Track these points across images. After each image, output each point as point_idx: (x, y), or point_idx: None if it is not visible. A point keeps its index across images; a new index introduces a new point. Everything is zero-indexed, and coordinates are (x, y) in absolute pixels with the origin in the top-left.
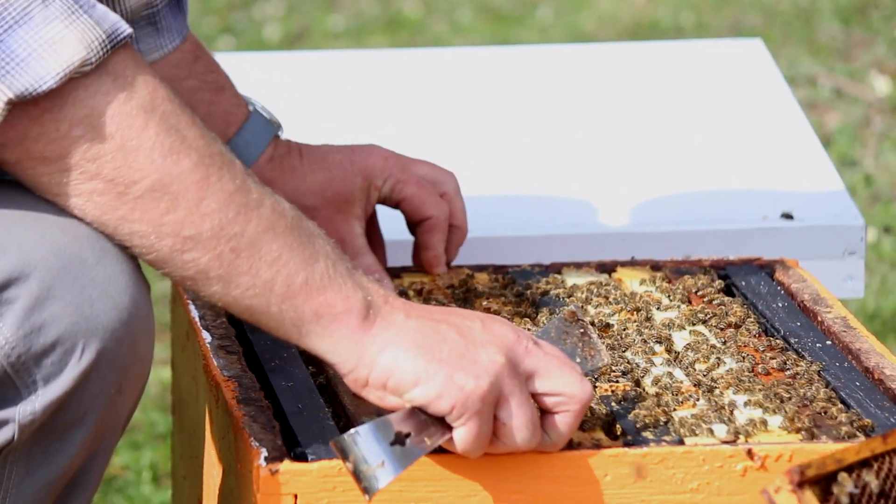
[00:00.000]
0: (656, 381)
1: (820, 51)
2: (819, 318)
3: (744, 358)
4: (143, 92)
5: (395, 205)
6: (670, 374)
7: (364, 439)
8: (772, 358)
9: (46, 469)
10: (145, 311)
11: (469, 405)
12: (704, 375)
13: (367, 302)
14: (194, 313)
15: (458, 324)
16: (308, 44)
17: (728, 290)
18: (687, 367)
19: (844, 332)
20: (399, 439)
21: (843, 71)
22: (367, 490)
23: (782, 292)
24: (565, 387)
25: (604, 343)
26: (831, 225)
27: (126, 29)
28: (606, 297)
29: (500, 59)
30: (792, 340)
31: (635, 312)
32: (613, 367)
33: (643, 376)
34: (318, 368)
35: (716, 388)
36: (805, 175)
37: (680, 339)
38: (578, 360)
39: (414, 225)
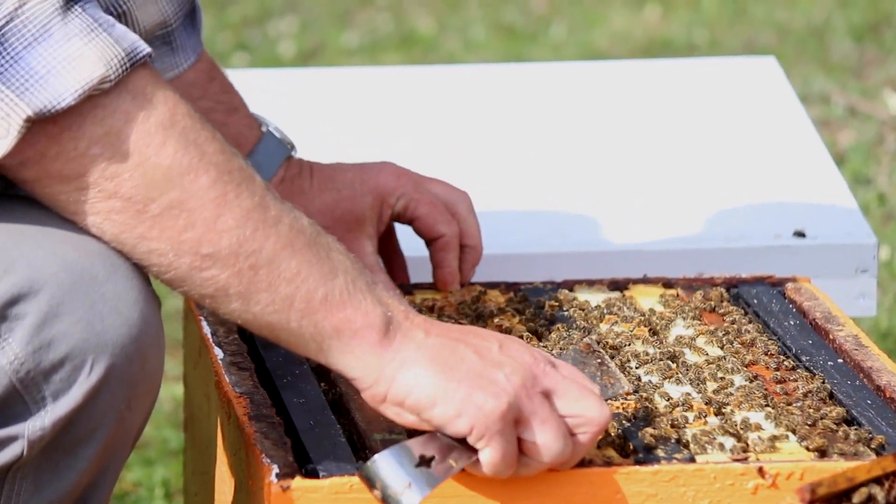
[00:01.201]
0: (668, 399)
1: (833, 69)
2: (831, 336)
3: (755, 376)
4: (163, 109)
5: (408, 223)
6: (682, 392)
7: (388, 464)
8: (783, 376)
9: (56, 485)
10: (155, 327)
11: (489, 425)
12: (716, 393)
13: (388, 318)
14: (206, 330)
15: (477, 344)
16: (322, 60)
17: (740, 308)
18: (698, 385)
19: (856, 350)
20: (424, 462)
21: (856, 89)
22: None
23: (794, 310)
24: (584, 409)
25: (616, 362)
26: (844, 243)
27: (145, 48)
28: (618, 315)
29: (514, 76)
30: (803, 358)
31: (647, 330)
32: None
33: (654, 394)
34: (330, 385)
35: (727, 405)
36: (817, 193)
37: (692, 357)
38: (598, 387)
39: (428, 243)
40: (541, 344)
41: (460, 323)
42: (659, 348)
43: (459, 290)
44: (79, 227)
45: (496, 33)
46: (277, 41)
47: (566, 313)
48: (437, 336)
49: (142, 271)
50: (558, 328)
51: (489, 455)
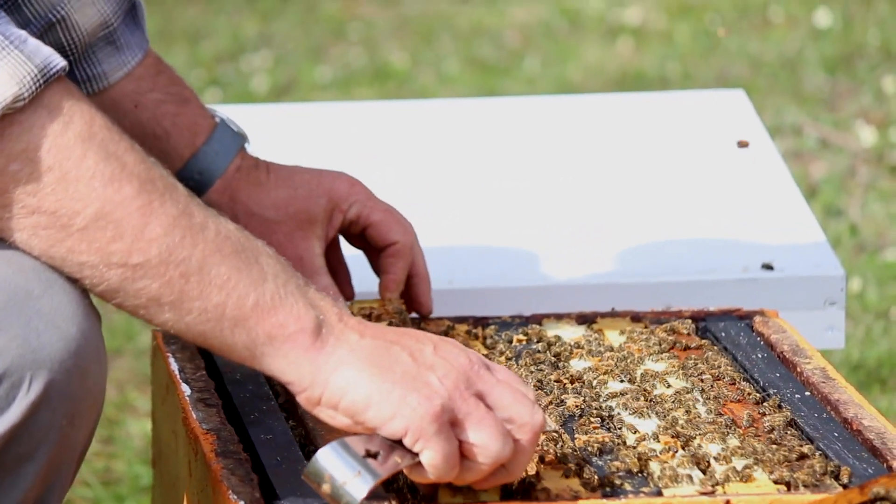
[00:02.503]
0: (635, 432)
1: (806, 101)
2: (798, 369)
3: (722, 408)
4: (80, 122)
5: (360, 230)
6: (649, 425)
7: (332, 457)
8: (750, 409)
9: None
10: (95, 342)
11: (424, 427)
12: (683, 426)
13: (319, 321)
14: (174, 366)
15: (411, 346)
16: (295, 95)
17: (708, 341)
18: (666, 418)
19: (823, 382)
20: (369, 455)
21: (828, 121)
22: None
23: (762, 343)
24: (516, 413)
25: (585, 397)
26: (811, 276)
27: (59, 62)
28: (587, 349)
29: (487, 110)
30: (771, 391)
31: (615, 363)
32: (592, 418)
33: (621, 427)
34: (298, 421)
35: (694, 438)
36: (786, 226)
37: (659, 390)
38: (532, 391)
39: (378, 251)
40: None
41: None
42: (627, 382)
43: (398, 298)
44: (10, 245)
45: (470, 67)
46: (251, 76)
47: (535, 347)
48: (372, 338)
49: (79, 285)
50: (527, 363)
51: (428, 457)
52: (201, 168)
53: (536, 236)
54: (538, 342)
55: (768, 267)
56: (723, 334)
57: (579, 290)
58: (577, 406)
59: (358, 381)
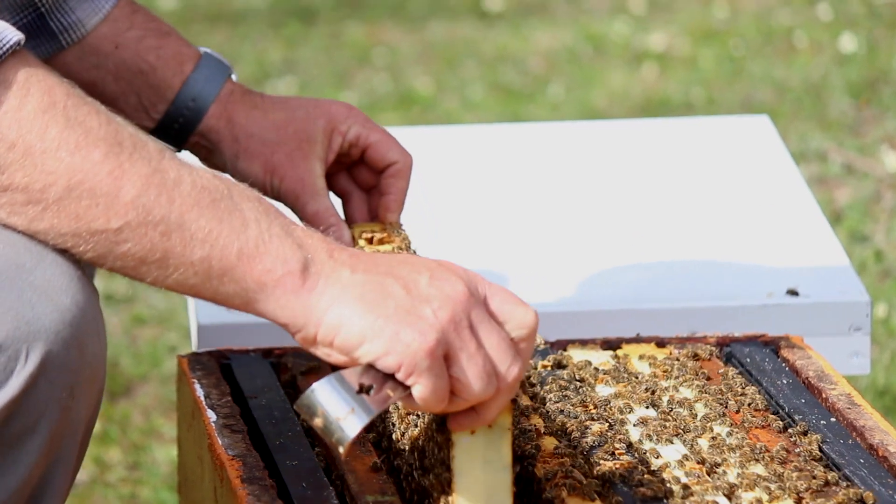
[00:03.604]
0: (659, 458)
1: (830, 126)
2: (824, 395)
3: (748, 435)
4: (38, 93)
5: (360, 153)
6: (674, 451)
7: (327, 392)
8: (776, 435)
9: (4, 481)
10: (91, 313)
11: (417, 362)
12: (708, 452)
13: (307, 260)
14: (199, 392)
15: (405, 277)
16: None
17: (733, 367)
18: (691, 444)
19: (849, 408)
20: (363, 390)
21: (853, 146)
22: (339, 441)
23: (787, 369)
24: (497, 359)
25: (608, 423)
26: (837, 301)
27: (13, 36)
28: (612, 375)
29: (512, 135)
30: (796, 417)
31: (639, 389)
32: (617, 444)
33: (646, 452)
34: (324, 447)
35: (719, 465)
36: (811, 251)
37: (684, 416)
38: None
39: (378, 173)
40: (536, 402)
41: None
42: (651, 408)
43: (400, 224)
44: None
45: (494, 93)
46: None
47: (560, 373)
48: (364, 272)
49: (72, 257)
50: (552, 389)
51: (419, 391)
52: (194, 94)
53: (561, 262)
54: (563, 368)
55: (793, 293)
56: (748, 360)
57: (604, 315)
58: (601, 432)
59: (351, 318)
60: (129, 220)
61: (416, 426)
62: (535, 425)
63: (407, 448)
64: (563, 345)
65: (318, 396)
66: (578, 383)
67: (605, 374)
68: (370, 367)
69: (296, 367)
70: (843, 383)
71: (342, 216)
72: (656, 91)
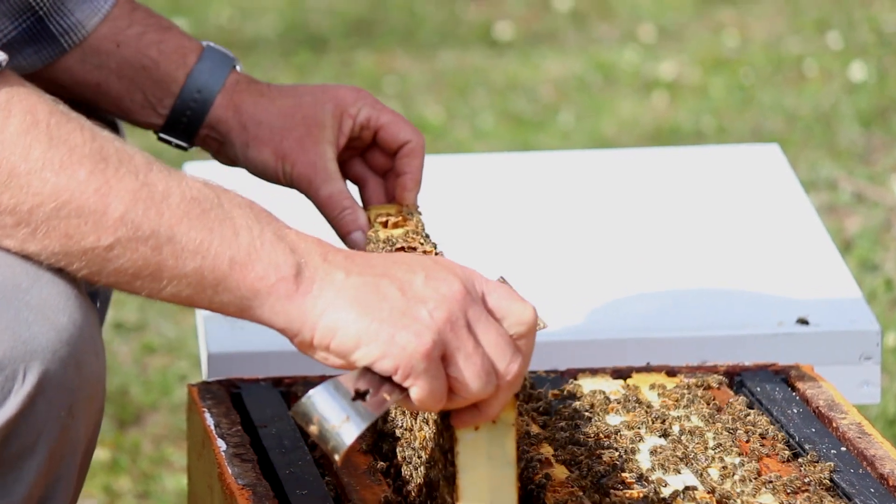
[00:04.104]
0: (669, 487)
1: (840, 155)
2: (834, 425)
3: (759, 464)
4: (21, 113)
5: (371, 135)
6: (684, 481)
7: (323, 399)
8: (786, 464)
9: (4, 500)
10: (88, 331)
11: (414, 364)
12: (719, 482)
13: (300, 265)
14: (209, 422)
15: (401, 277)
16: None
17: (743, 396)
18: (701, 474)
19: (859, 438)
20: (358, 396)
21: (863, 175)
22: (335, 449)
23: (797, 398)
24: (495, 357)
25: (620, 452)
26: (847, 330)
27: None
28: (622, 404)
29: (522, 164)
30: (807, 447)
31: (650, 419)
32: (627, 473)
33: (657, 482)
34: (333, 477)
35: (730, 495)
36: (821, 280)
37: (695, 445)
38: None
39: (391, 155)
40: (547, 431)
41: (407, 249)
42: (662, 437)
43: (417, 206)
44: None
45: (504, 121)
46: None
47: (571, 403)
48: (359, 274)
49: (69, 276)
50: (563, 418)
51: (416, 393)
52: (199, 86)
53: (571, 290)
54: (574, 397)
55: (804, 322)
56: (758, 389)
57: (614, 344)
58: (612, 461)
59: (346, 322)
60: (119, 236)
61: (423, 421)
62: (545, 454)
63: (412, 443)
64: (573, 374)
65: (313, 404)
66: (589, 412)
67: (615, 403)
68: (367, 370)
69: None
70: (853, 412)
71: (359, 202)
72: (666, 120)
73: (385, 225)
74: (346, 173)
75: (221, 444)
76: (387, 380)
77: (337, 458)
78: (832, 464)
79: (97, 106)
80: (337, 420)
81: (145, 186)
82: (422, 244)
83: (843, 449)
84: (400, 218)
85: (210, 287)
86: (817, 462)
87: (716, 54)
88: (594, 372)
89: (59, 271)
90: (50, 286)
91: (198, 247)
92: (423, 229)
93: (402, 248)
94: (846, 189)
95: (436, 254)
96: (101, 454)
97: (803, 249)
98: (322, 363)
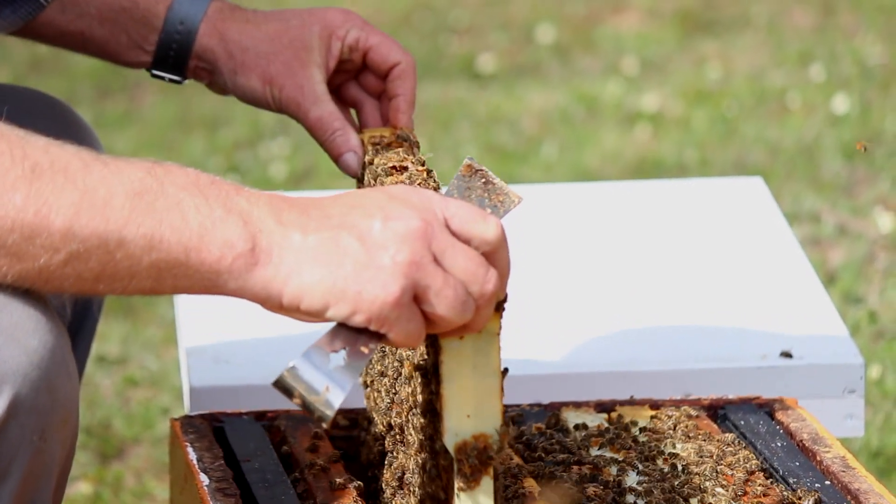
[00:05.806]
0: None
1: (824, 187)
2: (818, 458)
3: (742, 498)
4: None
5: (361, 57)
6: None
7: (303, 370)
8: (769, 498)
9: None
10: (60, 354)
11: (385, 314)
12: None
13: (255, 235)
14: (192, 456)
15: (359, 225)
16: (314, 182)
17: (727, 430)
18: None
19: (843, 471)
20: (336, 358)
21: (846, 207)
22: (322, 418)
23: (781, 431)
24: (470, 278)
25: (601, 482)
26: (831, 363)
27: None
28: (606, 438)
29: None
30: (790, 480)
31: (634, 453)
32: None
33: None
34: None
35: None
36: (804, 313)
37: (679, 478)
38: (489, 209)
39: (381, 77)
40: (530, 465)
41: (377, 183)
42: (646, 471)
43: (412, 128)
44: None
45: (488, 153)
46: (269, 163)
47: (554, 436)
48: (316, 231)
49: (41, 299)
50: (547, 451)
51: (393, 337)
52: (181, 17)
53: (554, 324)
54: (557, 430)
55: (787, 355)
56: (742, 423)
57: (598, 378)
58: (596, 495)
59: (311, 284)
60: (70, 250)
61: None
62: (528, 488)
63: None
64: (556, 407)
65: (294, 375)
66: (572, 446)
67: (599, 436)
68: (341, 325)
69: (289, 429)
70: (837, 446)
71: (356, 125)
72: (649, 152)
73: (377, 145)
74: (342, 97)
75: (204, 479)
76: (363, 330)
77: (325, 425)
78: (817, 494)
79: (85, 53)
80: (319, 390)
81: (86, 195)
82: (413, 163)
83: (828, 482)
84: (393, 139)
85: (170, 276)
86: (801, 497)
87: (699, 87)
88: (578, 405)
89: (29, 293)
90: (21, 309)
91: (149, 242)
92: (418, 149)
93: (395, 168)
94: (829, 221)
95: (428, 172)
96: (83, 488)
97: (787, 282)
98: (298, 320)
